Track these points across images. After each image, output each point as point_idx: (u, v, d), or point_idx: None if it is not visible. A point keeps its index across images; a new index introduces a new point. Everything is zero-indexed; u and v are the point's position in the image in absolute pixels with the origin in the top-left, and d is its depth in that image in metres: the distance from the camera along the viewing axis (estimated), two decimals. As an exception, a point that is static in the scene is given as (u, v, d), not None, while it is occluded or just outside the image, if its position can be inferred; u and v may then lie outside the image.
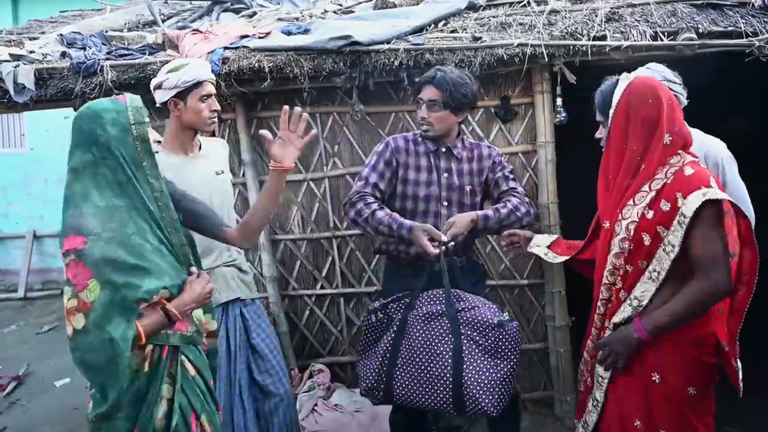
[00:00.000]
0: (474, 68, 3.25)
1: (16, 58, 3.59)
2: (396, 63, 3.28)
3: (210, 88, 2.65)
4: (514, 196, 2.83)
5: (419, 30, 3.54)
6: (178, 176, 2.61)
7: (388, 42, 3.36)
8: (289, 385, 2.97)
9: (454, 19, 3.70)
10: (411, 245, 2.68)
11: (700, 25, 3.23)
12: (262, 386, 2.81)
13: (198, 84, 2.60)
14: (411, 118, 3.62)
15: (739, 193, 2.62)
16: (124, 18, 4.47)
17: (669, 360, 2.01)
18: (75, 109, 3.65)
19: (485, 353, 2.46)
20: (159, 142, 2.03)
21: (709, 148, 2.70)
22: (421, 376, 2.47)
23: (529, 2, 3.75)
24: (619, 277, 2.08)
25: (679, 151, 2.00)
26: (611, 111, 2.05)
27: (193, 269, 2.03)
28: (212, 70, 2.96)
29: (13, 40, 4.10)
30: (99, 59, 3.49)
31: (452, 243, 2.60)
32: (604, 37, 3.27)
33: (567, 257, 2.56)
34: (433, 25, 3.62)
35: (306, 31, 3.62)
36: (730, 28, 3.20)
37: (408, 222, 2.62)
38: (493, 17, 3.62)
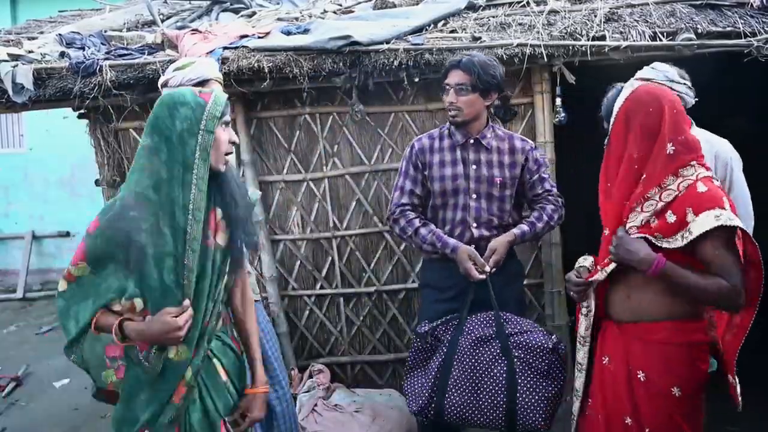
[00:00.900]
0: (473, 68, 3.25)
1: (14, 58, 3.59)
2: (395, 63, 3.28)
3: (215, 87, 2.65)
4: (548, 200, 2.84)
5: (419, 30, 3.54)
6: None
7: (387, 42, 3.36)
8: (288, 386, 2.97)
9: (453, 19, 3.70)
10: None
11: (698, 26, 3.23)
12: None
13: (203, 82, 2.61)
14: (410, 118, 3.63)
15: (743, 192, 2.67)
16: (123, 18, 4.46)
17: (654, 360, 2.01)
18: (74, 110, 3.66)
19: (539, 375, 2.55)
20: (234, 143, 1.95)
21: (719, 149, 2.71)
22: (474, 396, 2.55)
23: (528, 2, 3.75)
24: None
25: (693, 163, 1.96)
26: (612, 118, 2.05)
27: (186, 302, 1.83)
28: None
29: (12, 40, 4.10)
30: (98, 59, 3.49)
31: (494, 269, 2.67)
32: (603, 38, 3.27)
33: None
34: (432, 25, 3.62)
35: (305, 31, 3.62)
36: (728, 29, 3.20)
37: (452, 242, 2.69)
38: (493, 17, 3.62)
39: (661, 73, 2.62)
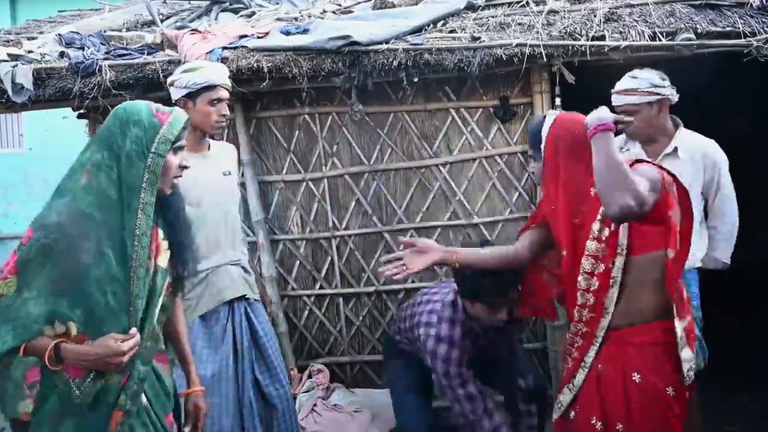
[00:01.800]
0: (473, 68, 3.25)
1: (14, 58, 3.59)
2: (395, 63, 3.28)
3: (222, 93, 2.67)
4: None
5: (418, 30, 3.54)
6: (185, 173, 2.63)
7: (387, 42, 3.36)
8: (289, 386, 2.97)
9: (452, 19, 3.69)
10: None
11: (698, 26, 3.23)
12: (263, 387, 2.82)
13: (209, 87, 2.62)
14: (410, 118, 3.63)
15: (730, 191, 2.85)
16: (122, 18, 4.46)
17: (648, 361, 2.07)
18: (73, 110, 3.66)
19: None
20: (185, 167, 1.86)
21: (708, 150, 2.77)
22: None
23: (527, 2, 3.75)
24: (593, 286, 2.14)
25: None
26: (542, 146, 2.16)
27: (133, 330, 1.75)
28: None
29: (12, 40, 4.10)
30: (97, 59, 3.49)
31: None
32: (602, 38, 3.27)
33: None
34: (431, 25, 3.62)
35: (305, 31, 3.62)
36: (728, 29, 3.20)
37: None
38: (492, 17, 3.62)
39: (644, 81, 2.67)
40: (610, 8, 3.49)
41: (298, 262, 3.82)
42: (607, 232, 2.05)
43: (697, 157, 2.82)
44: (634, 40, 3.22)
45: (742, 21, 3.22)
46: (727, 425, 3.39)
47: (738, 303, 5.03)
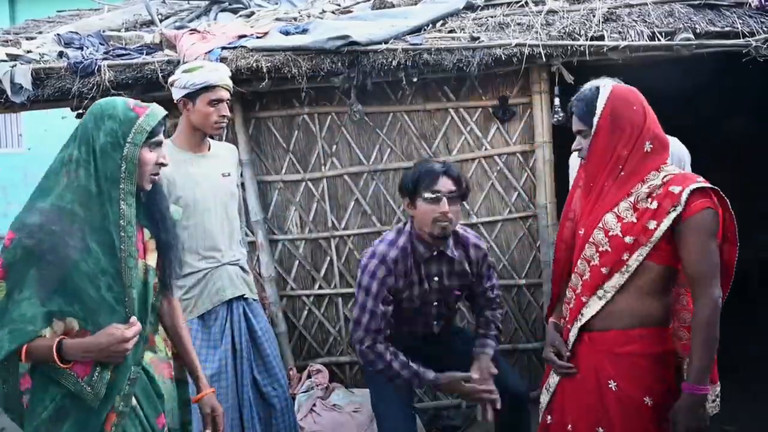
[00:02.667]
0: (472, 68, 3.26)
1: (13, 58, 3.59)
2: (394, 63, 3.28)
3: (221, 94, 2.67)
4: (496, 302, 2.77)
5: (417, 30, 3.54)
6: (185, 173, 2.65)
7: (386, 42, 3.36)
8: (287, 385, 2.97)
9: (452, 19, 3.70)
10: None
11: (697, 26, 3.24)
12: (261, 387, 2.82)
13: (209, 88, 2.63)
14: (409, 118, 3.63)
15: None
16: (121, 18, 4.46)
17: (625, 371, 1.99)
18: (72, 110, 3.66)
19: None
20: (163, 164, 1.85)
21: (672, 149, 2.77)
22: None
23: (527, 2, 3.75)
24: (586, 277, 2.06)
25: (662, 166, 2.00)
26: (595, 119, 2.01)
27: (133, 319, 1.76)
28: None
29: (11, 40, 4.10)
30: (96, 59, 3.49)
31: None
32: (601, 37, 3.28)
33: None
34: (431, 25, 3.62)
35: (304, 31, 3.62)
36: (727, 29, 3.21)
37: (430, 374, 2.52)
38: (491, 17, 3.62)
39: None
40: (609, 8, 3.49)
41: (297, 262, 3.82)
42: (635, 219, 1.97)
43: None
44: (633, 40, 3.23)
45: (740, 21, 3.22)
46: (726, 424, 3.39)
47: (738, 303, 5.05)
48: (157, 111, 1.82)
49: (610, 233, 1.99)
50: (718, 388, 2.08)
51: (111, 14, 4.59)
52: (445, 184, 2.45)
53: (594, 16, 3.42)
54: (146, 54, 3.60)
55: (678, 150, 2.85)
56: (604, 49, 3.23)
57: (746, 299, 5.18)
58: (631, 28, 3.30)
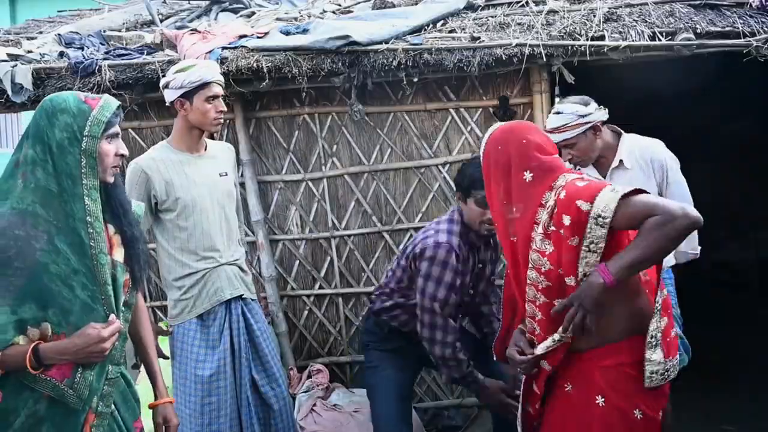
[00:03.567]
0: (472, 68, 3.26)
1: (13, 58, 3.59)
2: (394, 63, 3.28)
3: (217, 90, 2.67)
4: (496, 293, 2.84)
5: (418, 30, 3.54)
6: (182, 173, 2.65)
7: (386, 42, 3.36)
8: (287, 386, 2.97)
9: (452, 19, 3.70)
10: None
11: (698, 26, 3.23)
12: (260, 387, 2.82)
13: (204, 85, 2.62)
14: (409, 118, 3.63)
15: (682, 191, 2.74)
16: (122, 18, 4.47)
17: (612, 384, 1.94)
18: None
19: None
20: (123, 155, 1.81)
21: (653, 152, 2.78)
22: None
23: (527, 2, 3.75)
24: (540, 317, 2.01)
25: (560, 176, 1.97)
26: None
27: (112, 317, 1.72)
28: None
29: (11, 40, 4.10)
30: (97, 59, 3.49)
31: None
32: (602, 38, 3.27)
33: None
34: (431, 25, 3.62)
35: (304, 31, 3.62)
36: (727, 29, 3.20)
37: (481, 376, 2.59)
38: (492, 17, 3.62)
39: (570, 116, 2.65)
40: (609, 8, 3.49)
41: (297, 262, 3.82)
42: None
43: (643, 163, 2.77)
44: (633, 40, 3.22)
45: (741, 21, 3.22)
46: (725, 424, 3.40)
47: (738, 303, 5.07)
48: (111, 101, 1.77)
49: (543, 269, 1.95)
50: (676, 361, 1.98)
51: (112, 14, 4.59)
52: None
53: (594, 16, 3.41)
54: (147, 54, 3.61)
55: (659, 155, 2.77)
56: (605, 49, 3.23)
57: (746, 299, 5.20)
58: (632, 28, 3.29)
